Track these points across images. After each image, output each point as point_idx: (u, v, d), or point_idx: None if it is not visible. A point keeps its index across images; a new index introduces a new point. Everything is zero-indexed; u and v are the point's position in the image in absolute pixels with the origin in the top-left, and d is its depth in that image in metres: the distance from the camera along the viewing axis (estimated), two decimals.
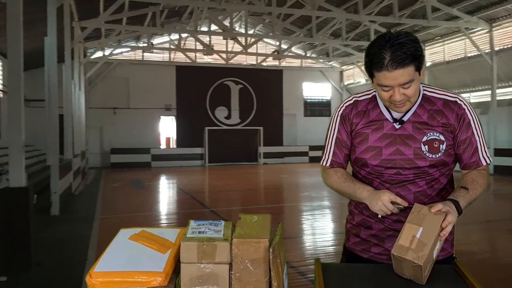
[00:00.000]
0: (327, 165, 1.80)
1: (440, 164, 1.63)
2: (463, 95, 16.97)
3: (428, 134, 1.62)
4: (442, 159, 1.62)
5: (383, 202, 1.54)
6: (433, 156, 1.61)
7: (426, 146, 1.61)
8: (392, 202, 1.55)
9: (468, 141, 1.64)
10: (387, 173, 1.66)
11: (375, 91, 1.72)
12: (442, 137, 1.62)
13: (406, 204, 1.55)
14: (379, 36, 1.52)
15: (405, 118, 1.64)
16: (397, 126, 1.65)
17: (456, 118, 1.63)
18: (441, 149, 1.62)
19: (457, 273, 1.47)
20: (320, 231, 7.09)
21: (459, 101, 1.65)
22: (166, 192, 12.96)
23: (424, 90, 1.67)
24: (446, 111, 1.63)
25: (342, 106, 1.77)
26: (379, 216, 1.62)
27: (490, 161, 1.67)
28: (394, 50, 1.46)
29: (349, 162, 1.81)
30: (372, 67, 1.52)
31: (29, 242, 4.61)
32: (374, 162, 1.66)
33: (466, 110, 1.65)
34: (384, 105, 1.67)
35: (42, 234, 5.91)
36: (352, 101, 1.75)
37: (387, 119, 1.66)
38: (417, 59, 1.49)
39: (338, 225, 6.98)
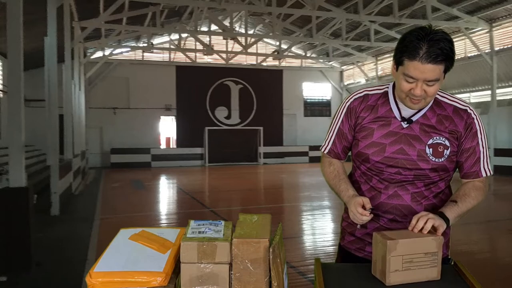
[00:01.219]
0: (325, 152, 1.83)
1: (441, 169, 1.64)
2: (463, 95, 17.04)
3: (434, 138, 1.61)
4: (444, 164, 1.63)
5: (355, 208, 1.56)
6: (436, 160, 1.61)
7: (431, 149, 1.61)
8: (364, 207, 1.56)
9: (472, 150, 1.64)
10: (387, 171, 1.66)
11: (387, 87, 1.71)
12: (447, 143, 1.62)
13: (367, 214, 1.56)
14: (418, 27, 1.51)
15: (413, 118, 1.64)
16: (404, 125, 1.64)
17: (464, 126, 1.63)
18: (445, 154, 1.62)
19: (457, 273, 1.48)
20: (320, 231, 7.09)
21: (469, 110, 1.66)
22: (166, 192, 12.96)
23: (436, 93, 1.67)
24: (456, 118, 1.64)
25: (351, 98, 1.75)
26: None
27: (490, 173, 1.67)
28: (432, 44, 1.45)
29: (347, 156, 1.83)
30: (404, 54, 1.50)
31: (29, 242, 4.61)
32: (376, 158, 1.66)
33: (475, 120, 1.65)
34: (395, 102, 1.66)
35: (42, 234, 5.91)
36: (362, 94, 1.74)
37: (395, 117, 1.66)
38: (449, 60, 1.49)
39: (338, 225, 6.95)
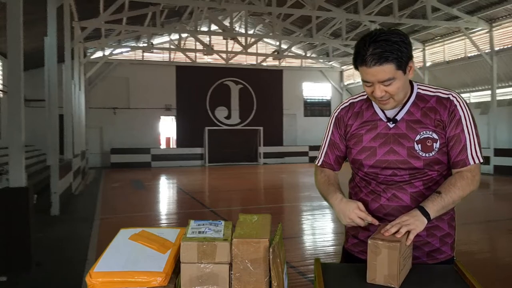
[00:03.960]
0: (318, 164, 1.85)
1: (435, 163, 1.62)
2: (463, 95, 17.00)
3: (422, 133, 1.61)
4: (436, 157, 1.61)
5: (352, 216, 1.56)
6: (427, 155, 1.60)
7: (420, 145, 1.60)
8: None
9: (456, 138, 1.60)
10: (383, 174, 1.65)
11: None
12: (435, 135, 1.60)
13: (376, 223, 1.57)
14: (370, 31, 1.54)
15: (398, 117, 1.64)
16: (390, 125, 1.64)
17: (448, 114, 1.61)
18: (434, 147, 1.60)
19: (457, 273, 1.47)
20: (320, 231, 7.09)
21: (451, 97, 1.63)
22: (166, 192, 12.96)
23: (418, 88, 1.67)
24: (439, 107, 1.62)
25: (338, 109, 1.80)
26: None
27: (480, 160, 1.62)
28: (376, 46, 1.48)
29: (343, 164, 1.85)
30: (355, 61, 1.55)
31: (29, 242, 4.61)
32: (369, 162, 1.66)
33: (458, 106, 1.61)
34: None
35: (42, 234, 5.91)
36: (348, 104, 1.78)
37: (381, 119, 1.66)
38: (398, 58, 1.49)
39: (338, 225, 6.97)
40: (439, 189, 1.58)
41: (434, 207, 1.52)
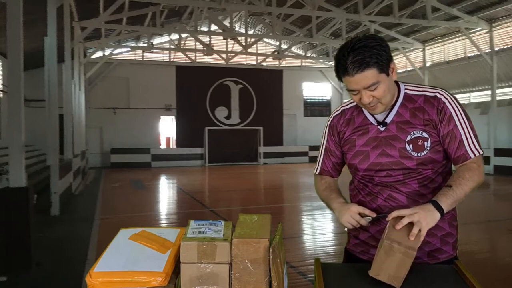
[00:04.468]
0: (317, 172, 1.88)
1: (428, 162, 1.62)
2: (463, 95, 17.03)
3: (412, 133, 1.61)
4: (429, 156, 1.61)
5: (350, 214, 1.59)
6: (419, 154, 1.60)
7: (411, 145, 1.61)
8: (361, 214, 1.58)
9: (451, 134, 1.60)
10: (378, 176, 1.67)
11: None
12: (425, 135, 1.61)
13: (374, 215, 1.59)
14: (346, 41, 1.55)
15: (388, 120, 1.65)
16: (381, 128, 1.66)
17: (437, 113, 1.61)
18: (426, 146, 1.60)
19: (457, 273, 1.47)
20: (320, 231, 7.09)
21: (438, 95, 1.63)
22: (166, 192, 12.96)
23: (405, 89, 1.67)
24: (427, 107, 1.62)
25: (331, 117, 1.83)
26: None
27: (480, 152, 1.60)
28: (354, 55, 1.49)
29: (341, 170, 1.88)
30: (338, 72, 1.56)
31: (29, 242, 4.61)
32: (363, 166, 1.68)
33: (447, 103, 1.61)
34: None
35: (42, 234, 5.91)
36: (339, 111, 1.81)
37: (371, 123, 1.68)
38: (378, 62, 1.50)
39: (338, 225, 6.97)
40: (449, 182, 1.56)
41: (448, 200, 1.50)
